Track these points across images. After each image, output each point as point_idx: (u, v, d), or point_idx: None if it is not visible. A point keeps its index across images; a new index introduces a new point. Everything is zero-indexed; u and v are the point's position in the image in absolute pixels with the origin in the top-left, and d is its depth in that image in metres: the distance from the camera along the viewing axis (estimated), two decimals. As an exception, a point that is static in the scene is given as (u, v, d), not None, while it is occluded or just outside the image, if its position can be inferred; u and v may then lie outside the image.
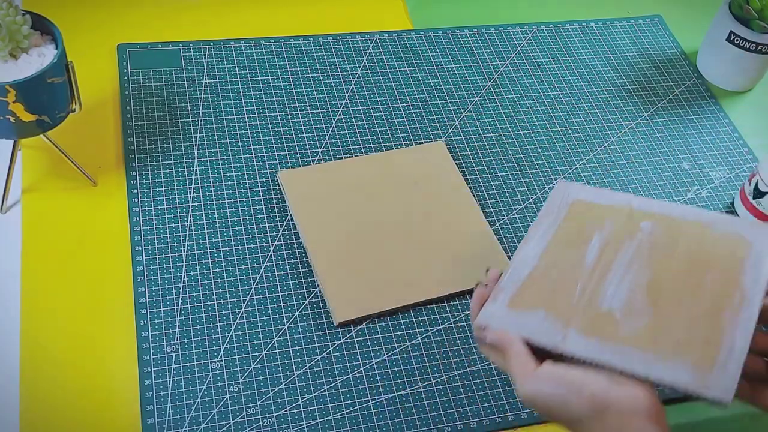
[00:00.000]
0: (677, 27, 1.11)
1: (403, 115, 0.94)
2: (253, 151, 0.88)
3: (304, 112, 0.92)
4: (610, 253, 0.69)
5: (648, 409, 0.58)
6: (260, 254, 0.80)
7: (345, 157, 0.88)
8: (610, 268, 0.68)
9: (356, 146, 0.90)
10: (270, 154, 0.87)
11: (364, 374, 0.73)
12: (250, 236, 0.81)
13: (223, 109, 0.91)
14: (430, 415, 0.71)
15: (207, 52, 0.96)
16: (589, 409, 0.58)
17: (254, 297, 0.77)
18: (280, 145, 0.89)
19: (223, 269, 0.78)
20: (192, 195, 0.83)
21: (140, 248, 0.78)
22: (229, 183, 0.84)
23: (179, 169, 0.85)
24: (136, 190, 0.82)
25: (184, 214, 0.81)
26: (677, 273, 0.67)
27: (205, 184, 0.84)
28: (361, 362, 0.74)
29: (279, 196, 0.84)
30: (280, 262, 0.79)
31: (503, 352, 0.62)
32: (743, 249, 0.67)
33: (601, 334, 0.64)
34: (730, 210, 0.90)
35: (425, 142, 0.91)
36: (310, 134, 0.90)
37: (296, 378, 0.72)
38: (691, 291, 0.65)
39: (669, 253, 0.68)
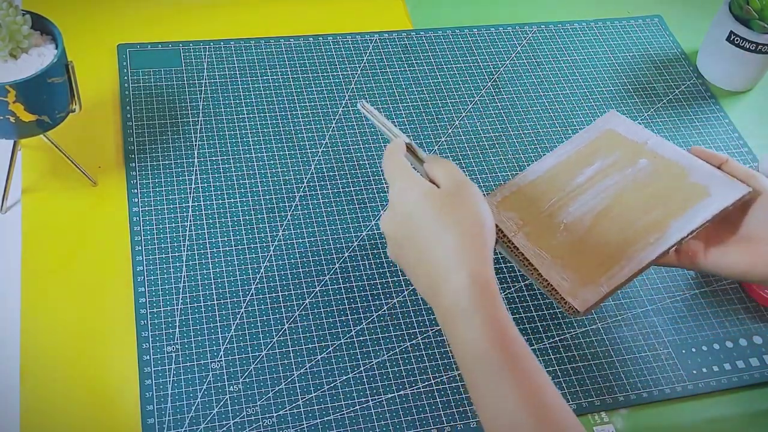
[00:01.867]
0: (677, 27, 1.11)
1: (403, 115, 0.94)
2: (253, 151, 0.88)
3: (304, 112, 0.92)
4: (598, 179, 0.79)
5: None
6: (260, 254, 0.80)
7: (345, 157, 0.88)
8: (588, 190, 0.78)
9: (356, 146, 0.90)
10: (270, 154, 0.88)
11: (364, 374, 0.73)
12: (250, 236, 0.81)
13: (223, 109, 0.91)
14: (430, 415, 0.71)
15: (207, 52, 0.96)
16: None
17: (254, 297, 0.77)
18: (280, 145, 0.89)
19: (223, 269, 0.78)
20: (192, 195, 0.83)
21: (140, 248, 0.78)
22: (229, 183, 0.84)
23: (179, 169, 0.85)
24: (136, 190, 0.82)
25: (184, 214, 0.81)
26: (631, 206, 0.76)
27: (205, 184, 0.84)
28: (361, 362, 0.74)
29: (279, 195, 0.84)
30: (280, 262, 0.79)
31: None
32: (698, 198, 0.75)
33: (537, 240, 0.76)
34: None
35: (425, 142, 0.91)
36: (310, 134, 0.90)
37: (296, 378, 0.72)
38: (627, 223, 0.75)
39: (641, 188, 0.78)
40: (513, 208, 0.80)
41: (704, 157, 0.77)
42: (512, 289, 0.81)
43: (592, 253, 0.75)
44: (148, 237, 0.79)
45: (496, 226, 0.78)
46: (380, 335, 0.76)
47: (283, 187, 0.85)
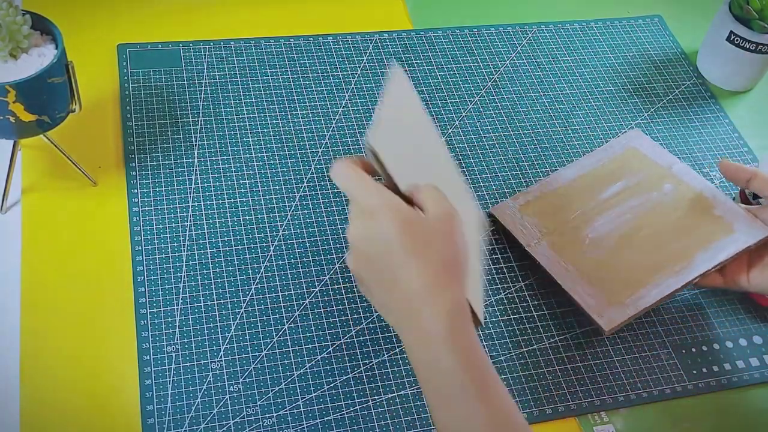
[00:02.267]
0: (677, 27, 1.11)
1: (403, 115, 0.93)
2: (253, 151, 0.88)
3: (304, 112, 0.92)
4: (623, 197, 0.82)
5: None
6: (260, 254, 0.80)
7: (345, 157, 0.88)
8: (613, 207, 0.81)
9: (356, 146, 0.90)
10: (270, 154, 0.88)
11: (364, 374, 0.73)
12: (250, 236, 0.81)
13: (223, 109, 0.91)
14: (431, 415, 0.71)
15: (207, 52, 0.96)
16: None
17: (254, 297, 0.77)
18: (280, 145, 0.89)
19: (223, 269, 0.78)
20: (192, 195, 0.83)
21: (140, 248, 0.78)
22: (229, 183, 0.84)
23: (179, 169, 0.85)
24: (136, 190, 0.82)
25: (184, 214, 0.81)
26: (657, 231, 0.79)
27: (205, 184, 0.84)
28: (361, 362, 0.74)
29: (279, 195, 0.84)
30: (280, 262, 0.79)
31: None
32: (722, 233, 0.77)
33: (562, 251, 0.78)
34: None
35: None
36: (310, 134, 0.90)
37: (296, 378, 0.72)
38: (654, 247, 0.78)
39: (667, 213, 0.80)
40: (536, 214, 0.81)
41: (732, 170, 0.78)
42: (512, 289, 0.81)
43: (619, 273, 0.76)
44: (148, 237, 0.79)
45: (510, 234, 0.81)
46: (380, 335, 0.76)
47: (283, 187, 0.85)
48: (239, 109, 0.91)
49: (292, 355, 0.73)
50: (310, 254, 0.80)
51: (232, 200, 0.83)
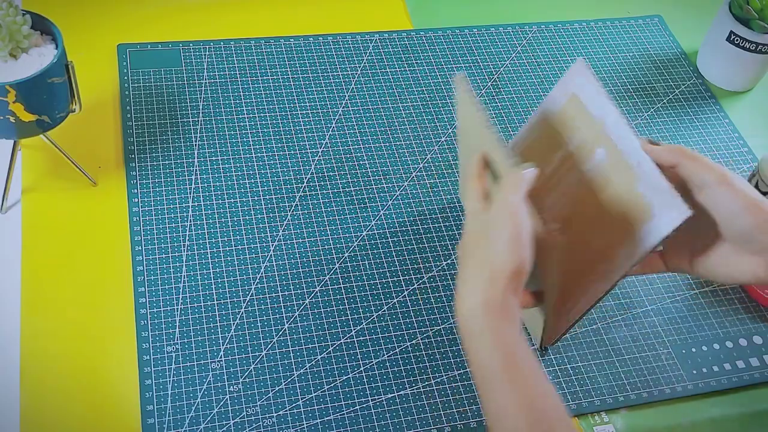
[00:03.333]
0: (677, 27, 1.11)
1: (403, 115, 0.94)
2: (253, 151, 0.88)
3: (304, 112, 0.92)
4: (563, 171, 0.73)
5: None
6: (260, 254, 0.80)
7: (345, 157, 0.88)
8: (555, 187, 0.73)
9: (356, 146, 0.90)
10: (270, 154, 0.88)
11: (364, 374, 0.73)
12: (250, 236, 0.81)
13: (223, 109, 0.91)
14: (430, 415, 0.71)
15: (207, 52, 0.96)
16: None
17: (254, 297, 0.77)
18: (280, 145, 0.89)
19: (223, 269, 0.78)
20: (192, 195, 0.83)
21: (140, 248, 0.78)
22: (229, 183, 0.85)
23: (179, 169, 0.85)
24: (136, 190, 0.82)
25: (184, 214, 0.81)
26: (586, 221, 0.70)
27: (205, 184, 0.84)
28: (361, 362, 0.74)
29: (279, 195, 0.84)
30: (280, 262, 0.79)
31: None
32: (641, 220, 0.66)
33: None
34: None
35: (425, 142, 0.91)
36: (310, 134, 0.90)
37: (296, 378, 0.72)
38: (582, 245, 0.70)
39: (594, 193, 0.70)
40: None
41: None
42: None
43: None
44: (148, 237, 0.79)
45: None
46: (380, 335, 0.76)
47: (283, 187, 0.85)
48: (239, 109, 0.91)
49: (292, 355, 0.74)
50: (310, 254, 0.80)
51: (232, 200, 0.83)
